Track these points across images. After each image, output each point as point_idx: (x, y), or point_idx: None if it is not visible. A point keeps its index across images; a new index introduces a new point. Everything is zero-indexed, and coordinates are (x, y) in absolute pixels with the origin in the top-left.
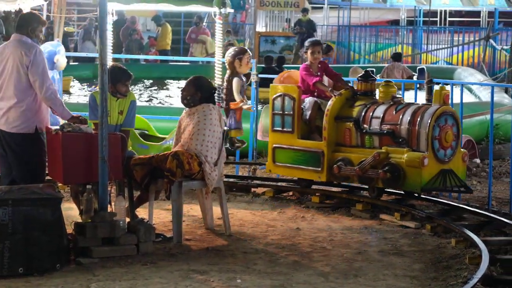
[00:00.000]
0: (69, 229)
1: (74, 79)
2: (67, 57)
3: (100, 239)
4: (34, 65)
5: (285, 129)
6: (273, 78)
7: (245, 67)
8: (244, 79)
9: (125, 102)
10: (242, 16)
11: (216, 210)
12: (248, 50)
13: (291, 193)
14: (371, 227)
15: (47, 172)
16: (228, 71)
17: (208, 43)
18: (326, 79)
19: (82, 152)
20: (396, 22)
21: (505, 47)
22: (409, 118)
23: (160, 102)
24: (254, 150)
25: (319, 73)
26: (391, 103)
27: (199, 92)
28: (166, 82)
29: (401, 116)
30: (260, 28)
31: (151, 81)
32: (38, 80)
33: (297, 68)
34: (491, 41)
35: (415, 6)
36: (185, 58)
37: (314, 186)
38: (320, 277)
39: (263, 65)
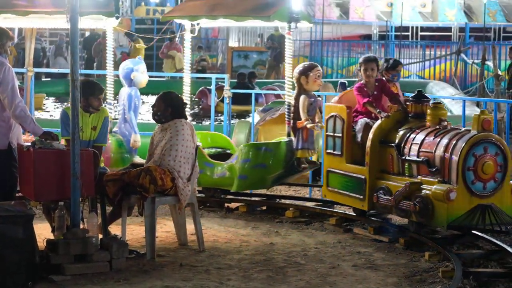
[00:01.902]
0: (41, 246)
1: (47, 96)
2: (38, 73)
3: (72, 256)
4: (3, 83)
5: (335, 152)
6: (244, 94)
7: (313, 84)
8: (313, 97)
9: (98, 118)
10: (214, 31)
11: (190, 226)
12: (318, 66)
13: (264, 208)
14: (345, 241)
15: (18, 189)
16: (296, 89)
17: (177, 59)
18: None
19: (54, 169)
20: (368, 37)
21: (476, 61)
22: (444, 145)
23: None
24: None
25: (375, 92)
26: (436, 127)
27: (169, 108)
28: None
29: (437, 143)
30: (233, 43)
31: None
32: (7, 98)
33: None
34: (463, 55)
35: (372, 22)
36: (159, 73)
37: (286, 201)
38: None
39: (235, 80)
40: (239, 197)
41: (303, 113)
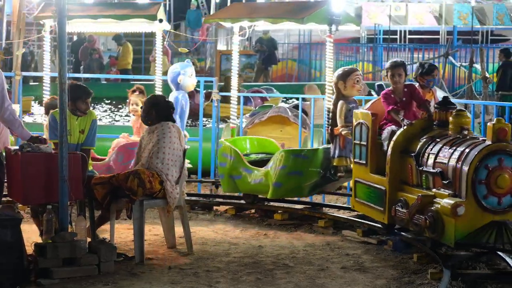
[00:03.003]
0: (29, 250)
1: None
2: (26, 77)
3: (60, 259)
4: None
5: (361, 161)
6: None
7: (351, 89)
8: (353, 103)
9: (86, 121)
10: (201, 34)
11: (178, 229)
12: (357, 70)
13: (253, 211)
14: (334, 244)
15: (6, 192)
16: (334, 94)
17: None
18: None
19: (42, 172)
20: (356, 40)
21: (464, 63)
22: (456, 156)
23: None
24: (216, 168)
25: (404, 99)
26: (456, 136)
27: (154, 111)
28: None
29: (451, 153)
30: (221, 46)
31: (112, 100)
32: None
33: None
34: (451, 58)
35: (361, 26)
36: (145, 76)
37: (275, 203)
38: None
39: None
40: (228, 200)
41: (339, 119)
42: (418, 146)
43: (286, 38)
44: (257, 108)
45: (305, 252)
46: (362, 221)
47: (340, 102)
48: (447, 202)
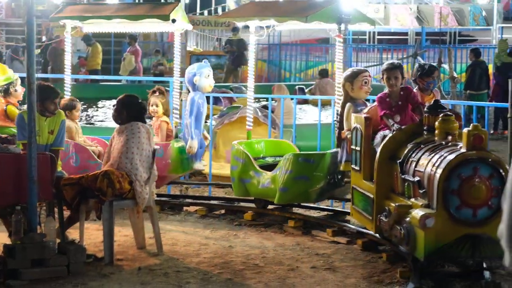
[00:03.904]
0: None
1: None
2: None
3: (29, 260)
4: None
5: (355, 167)
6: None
7: (359, 91)
8: (362, 105)
9: (55, 121)
10: (171, 35)
11: (148, 229)
12: (366, 71)
13: (223, 211)
14: (304, 244)
15: None
16: (342, 96)
17: (126, 61)
18: None
19: (11, 173)
20: (326, 41)
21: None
22: (432, 164)
23: (89, 122)
24: None
25: (400, 102)
26: (440, 143)
27: (125, 111)
28: (96, 102)
29: (428, 161)
30: (191, 47)
31: (82, 101)
32: None
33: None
34: (419, 58)
35: (330, 27)
36: (118, 77)
37: (245, 204)
38: None
39: None
40: (198, 201)
41: (346, 122)
42: (404, 153)
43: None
44: (225, 108)
45: (275, 252)
46: (331, 220)
47: (348, 105)
48: (417, 213)
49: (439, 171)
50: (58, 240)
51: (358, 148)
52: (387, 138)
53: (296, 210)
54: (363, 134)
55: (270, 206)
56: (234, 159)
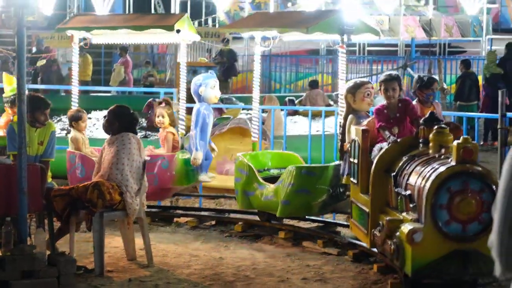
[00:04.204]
0: None
1: None
2: None
3: (20, 272)
4: None
5: (353, 180)
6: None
7: (361, 103)
8: (364, 117)
9: (45, 132)
10: (161, 46)
11: (139, 241)
12: (369, 83)
13: (214, 223)
14: (294, 255)
15: None
16: (345, 107)
17: (116, 72)
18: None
19: (1, 184)
20: (316, 52)
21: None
22: (422, 177)
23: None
24: None
25: (398, 115)
26: (433, 156)
27: (117, 121)
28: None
29: (419, 174)
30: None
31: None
32: None
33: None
34: (409, 69)
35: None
36: (108, 88)
37: (235, 215)
38: None
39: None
40: (188, 212)
41: (348, 135)
42: (399, 166)
43: (246, 50)
44: (215, 119)
45: (266, 264)
46: (322, 232)
47: (350, 116)
48: (405, 227)
49: (428, 184)
50: (48, 252)
51: (356, 161)
52: (382, 151)
53: (286, 221)
54: (360, 146)
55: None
56: (238, 171)
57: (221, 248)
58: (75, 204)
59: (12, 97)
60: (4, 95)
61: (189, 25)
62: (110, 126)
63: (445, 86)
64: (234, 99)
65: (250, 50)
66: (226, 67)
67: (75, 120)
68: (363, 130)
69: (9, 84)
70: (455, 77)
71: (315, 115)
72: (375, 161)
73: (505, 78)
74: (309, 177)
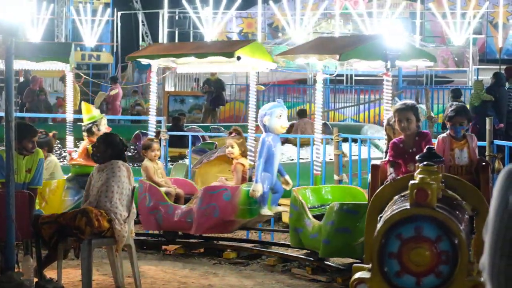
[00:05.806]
0: None
1: None
2: None
3: None
4: None
5: None
6: (178, 136)
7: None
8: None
9: (33, 160)
10: (149, 76)
11: (127, 268)
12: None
13: (202, 250)
14: (283, 282)
15: None
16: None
17: (97, 97)
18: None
19: None
20: (303, 81)
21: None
22: (382, 220)
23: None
24: None
25: (414, 149)
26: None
27: (109, 149)
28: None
29: (381, 216)
30: (169, 87)
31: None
32: None
33: (207, 128)
34: (396, 99)
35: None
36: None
37: (223, 242)
38: None
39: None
40: (177, 239)
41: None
42: (387, 206)
43: (233, 79)
44: (199, 144)
45: None
46: (311, 259)
47: None
48: (355, 276)
49: (377, 230)
50: (36, 279)
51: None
52: (379, 190)
53: (275, 248)
54: (370, 183)
55: (248, 244)
56: (291, 206)
57: (210, 275)
58: (63, 231)
59: (89, 125)
60: (83, 123)
61: (263, 52)
62: (102, 154)
63: (432, 114)
64: (222, 128)
65: (238, 79)
66: (214, 96)
67: (145, 149)
68: (373, 166)
69: (88, 113)
70: (442, 106)
71: (304, 144)
72: (371, 201)
73: (495, 105)
74: (351, 215)
